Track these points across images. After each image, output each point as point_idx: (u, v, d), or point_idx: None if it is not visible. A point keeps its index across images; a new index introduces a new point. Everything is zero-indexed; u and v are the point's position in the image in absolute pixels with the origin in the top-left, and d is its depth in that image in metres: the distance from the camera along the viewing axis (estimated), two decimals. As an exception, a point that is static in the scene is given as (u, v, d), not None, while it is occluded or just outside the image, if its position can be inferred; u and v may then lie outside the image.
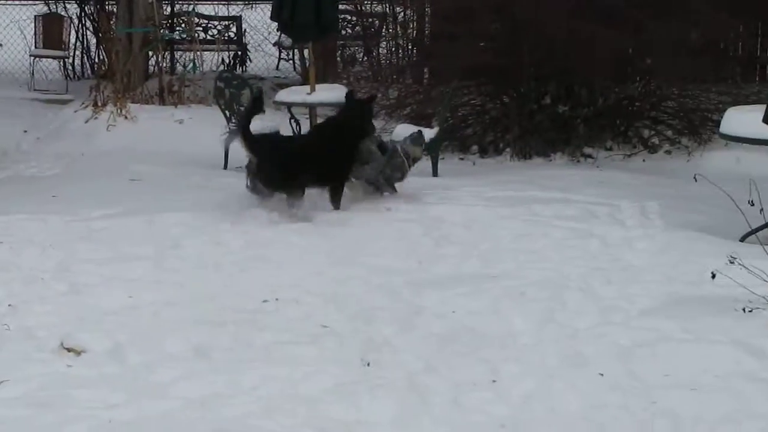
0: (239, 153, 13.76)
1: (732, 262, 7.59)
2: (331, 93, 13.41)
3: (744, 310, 7.34)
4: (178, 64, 20.61)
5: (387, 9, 20.34)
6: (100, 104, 16.91)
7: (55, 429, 5.58)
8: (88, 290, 7.98)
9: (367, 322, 7.37)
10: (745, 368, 6.44)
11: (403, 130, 13.77)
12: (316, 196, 10.59)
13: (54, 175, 13.72)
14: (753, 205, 8.80)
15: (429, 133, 13.68)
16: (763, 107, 4.14)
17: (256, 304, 7.72)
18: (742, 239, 9.50)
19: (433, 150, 13.61)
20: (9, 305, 7.59)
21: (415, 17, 19.44)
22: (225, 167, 13.97)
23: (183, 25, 21.43)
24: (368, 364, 6.56)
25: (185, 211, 10.31)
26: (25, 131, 17.10)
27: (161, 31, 19.27)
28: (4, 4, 22.97)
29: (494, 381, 6.38)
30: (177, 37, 20.79)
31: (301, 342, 6.94)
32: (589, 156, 15.08)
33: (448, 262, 8.95)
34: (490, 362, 6.64)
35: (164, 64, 19.23)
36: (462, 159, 15.16)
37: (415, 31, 19.57)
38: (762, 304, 7.37)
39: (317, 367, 6.50)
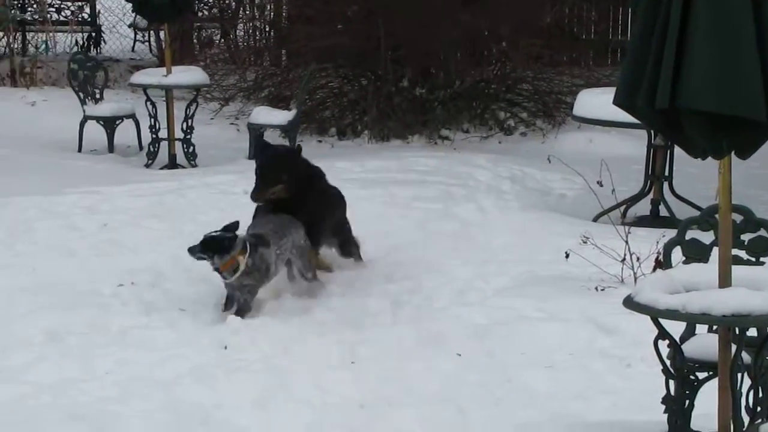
0: (93, 135, 13.60)
1: (585, 242, 7.75)
2: (188, 75, 13.25)
3: (597, 288, 7.49)
4: (30, 45, 20.17)
5: (244, -9, 20.19)
6: (-53, 85, 16.48)
7: None
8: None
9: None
10: (597, 345, 6.58)
11: (261, 113, 13.74)
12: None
13: None
14: (602, 185, 8.98)
15: (287, 116, 13.67)
16: (614, 89, 4.22)
17: (112, 288, 7.62)
18: (595, 219, 9.68)
19: (292, 132, 13.60)
20: None
21: (272, -1, 19.35)
22: (79, 150, 13.72)
23: (35, 5, 20.97)
24: (225, 348, 6.52)
25: (39, 194, 10.10)
26: None
27: (12, 11, 18.83)
28: None
29: (352, 362, 6.40)
30: (29, 18, 20.33)
31: (158, 326, 6.87)
32: (447, 138, 15.18)
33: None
34: (347, 343, 6.66)
35: (15, 45, 18.79)
36: (320, 141, 15.14)
37: (272, 13, 19.46)
38: (614, 283, 7.53)
39: (174, 350, 6.45)
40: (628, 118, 4.72)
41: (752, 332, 4.91)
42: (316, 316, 7.21)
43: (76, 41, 21.13)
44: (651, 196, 10.08)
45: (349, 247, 8.30)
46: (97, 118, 13.81)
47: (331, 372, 6.23)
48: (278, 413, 5.64)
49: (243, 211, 9.63)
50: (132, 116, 13.90)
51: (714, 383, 4.79)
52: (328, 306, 7.40)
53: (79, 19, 21.92)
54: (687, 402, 4.95)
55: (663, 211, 9.90)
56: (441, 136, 15.26)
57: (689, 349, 4.99)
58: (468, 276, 8.04)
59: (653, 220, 9.87)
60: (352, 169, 11.92)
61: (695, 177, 10.27)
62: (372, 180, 11.28)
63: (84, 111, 13.83)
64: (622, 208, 9.83)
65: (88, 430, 5.38)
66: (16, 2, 19.66)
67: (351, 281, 7.92)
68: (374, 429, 5.43)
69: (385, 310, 7.33)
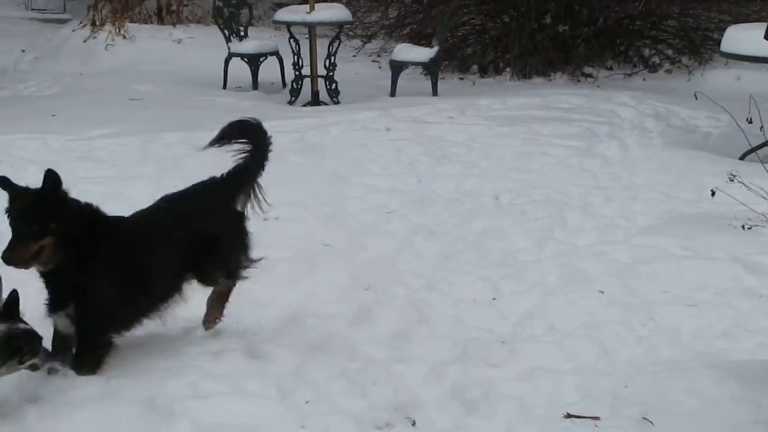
0: (238, 72, 13.79)
1: (732, 180, 7.60)
2: (331, 12, 13.31)
3: (743, 227, 7.37)
4: (176, -17, 20.45)
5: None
6: (98, 24, 16.76)
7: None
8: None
9: (367, 240, 7.38)
10: (743, 285, 6.48)
11: (403, 50, 13.74)
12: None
13: (53, 95, 13.66)
14: (751, 122, 8.80)
15: (429, 53, 13.64)
16: (764, 25, 4.09)
17: (259, 222, 7.71)
18: (742, 157, 9.51)
19: (433, 70, 13.60)
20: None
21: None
22: (224, 87, 13.93)
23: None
24: (367, 289, 6.55)
25: (185, 130, 10.28)
26: (23, 51, 17.00)
27: (159, -51, 19.10)
28: None
29: (494, 299, 6.41)
30: (175, -44, 20.61)
31: (301, 259, 6.95)
32: (589, 75, 15.02)
33: (449, 181, 8.95)
34: (490, 280, 6.67)
35: (162, -17, 19.08)
36: (462, 79, 15.11)
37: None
38: (761, 222, 7.39)
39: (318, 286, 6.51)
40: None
41: None
42: (459, 252, 7.22)
43: (221, -21, 21.31)
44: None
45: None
46: (242, 56, 13.99)
47: (472, 308, 6.25)
48: (420, 347, 5.67)
49: (384, 148, 9.72)
50: (276, 53, 14.05)
51: None
52: (471, 243, 7.41)
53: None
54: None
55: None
56: (584, 73, 15.11)
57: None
58: (611, 214, 7.98)
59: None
60: (493, 107, 11.88)
61: None
62: (514, 117, 11.23)
63: (229, 48, 14.02)
64: (772, 145, 9.63)
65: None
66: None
67: (496, 217, 7.91)
68: (515, 365, 5.43)
69: (528, 247, 7.32)
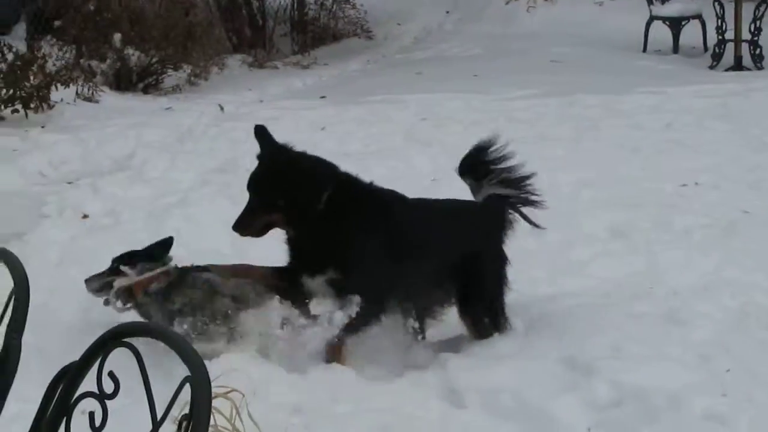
0: (658, 35, 13.65)
1: None
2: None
3: None
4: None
5: None
6: (521, -15, 17.03)
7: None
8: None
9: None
10: None
11: None
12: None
13: (475, 55, 14.03)
14: None
15: None
16: None
17: (675, 188, 7.65)
18: None
19: None
20: (432, 180, 7.84)
21: None
22: (644, 50, 13.84)
23: None
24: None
25: (604, 93, 10.31)
26: (447, 12, 17.52)
27: None
28: None
29: None
30: None
31: (719, 226, 6.82)
32: None
33: None
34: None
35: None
36: None
37: None
38: None
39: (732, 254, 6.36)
40: None
41: None
42: None
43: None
44: None
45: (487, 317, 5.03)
46: (663, 18, 13.84)
47: None
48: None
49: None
50: (699, 17, 13.81)
51: None
52: None
53: None
54: None
55: None
56: None
57: None
58: None
59: None
60: None
61: None
62: None
63: (650, 11, 13.90)
64: None
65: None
66: None
67: None
68: None
69: None
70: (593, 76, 11.56)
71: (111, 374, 2.08)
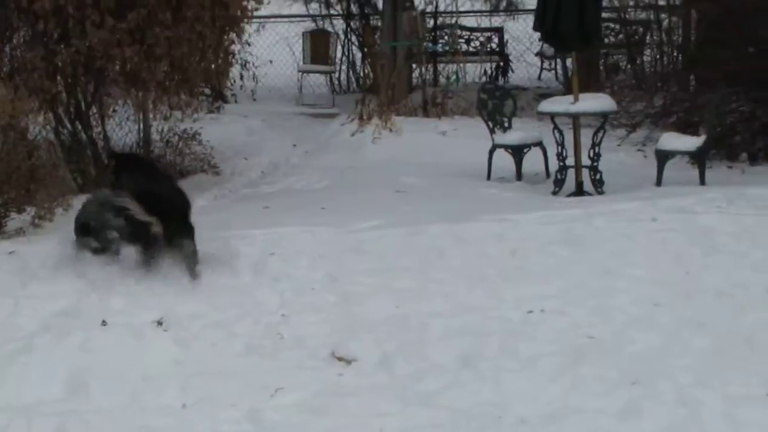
0: (501, 163, 13.90)
1: None
2: (595, 102, 13.30)
3: None
4: (441, 76, 20.86)
5: (651, 16, 20.03)
6: (365, 117, 17.25)
7: (327, 436, 5.71)
8: (357, 300, 8.13)
9: (634, 334, 7.25)
10: None
11: (669, 139, 13.59)
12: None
13: (323, 188, 14.07)
14: None
15: (696, 141, 13.45)
16: None
17: (521, 315, 7.71)
18: None
19: (701, 158, 13.37)
20: (282, 315, 7.82)
21: (680, 24, 19.07)
22: (488, 178, 14.05)
23: (446, 38, 21.69)
24: (633, 383, 6.43)
25: (450, 221, 10.40)
26: (294, 145, 17.62)
27: (425, 44, 19.57)
28: (273, 22, 23.64)
29: (768, 395, 6.20)
30: (440, 50, 21.04)
31: (564, 353, 6.89)
32: None
33: (717, 272, 8.71)
34: (762, 375, 6.44)
35: (428, 77, 19.49)
36: (730, 167, 14.77)
37: (680, 38, 19.20)
38: None
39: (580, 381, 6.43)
40: None
41: None
42: (731, 346, 7.01)
43: (485, 71, 21.71)
44: None
45: None
46: (506, 147, 14.12)
47: (745, 404, 6.04)
48: None
49: (650, 239, 9.56)
50: (539, 144, 14.12)
51: None
52: (744, 337, 7.19)
53: (488, 49, 22.52)
54: None
55: None
56: None
57: None
58: None
59: None
60: (765, 196, 11.53)
61: None
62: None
63: (493, 140, 14.18)
64: None
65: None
66: (428, 35, 20.42)
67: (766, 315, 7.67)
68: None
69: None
70: (439, 205, 11.67)
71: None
